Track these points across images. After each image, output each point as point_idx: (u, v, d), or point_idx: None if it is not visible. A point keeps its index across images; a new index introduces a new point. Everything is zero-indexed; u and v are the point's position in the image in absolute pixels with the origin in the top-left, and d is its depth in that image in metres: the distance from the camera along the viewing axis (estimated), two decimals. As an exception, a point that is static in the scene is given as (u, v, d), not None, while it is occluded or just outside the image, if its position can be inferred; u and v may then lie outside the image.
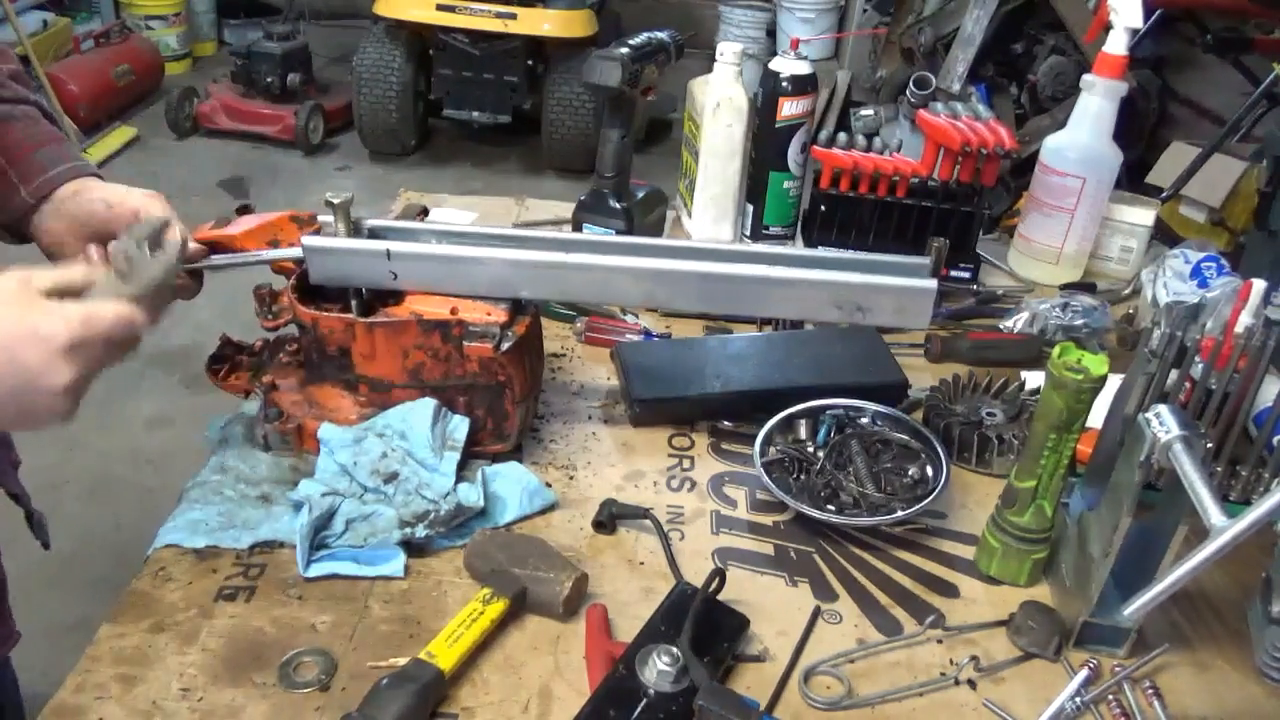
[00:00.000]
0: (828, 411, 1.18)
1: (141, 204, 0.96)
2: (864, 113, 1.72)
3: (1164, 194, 2.80)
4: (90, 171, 1.00)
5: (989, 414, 1.22)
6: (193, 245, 0.99)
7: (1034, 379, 1.25)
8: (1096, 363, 0.91)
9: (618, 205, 1.52)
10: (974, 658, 0.92)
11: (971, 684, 0.91)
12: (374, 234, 1.08)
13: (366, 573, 0.96)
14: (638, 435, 1.21)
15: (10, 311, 0.77)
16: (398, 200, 1.71)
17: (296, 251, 1.04)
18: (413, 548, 0.99)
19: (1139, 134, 3.45)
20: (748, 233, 1.63)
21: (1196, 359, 1.10)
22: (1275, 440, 1.11)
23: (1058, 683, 0.90)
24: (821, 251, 1.45)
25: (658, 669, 0.84)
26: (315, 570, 0.95)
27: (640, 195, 1.58)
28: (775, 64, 1.52)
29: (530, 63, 4.49)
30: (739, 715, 0.80)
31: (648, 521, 1.05)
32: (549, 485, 1.10)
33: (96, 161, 4.31)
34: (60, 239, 0.98)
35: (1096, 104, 1.52)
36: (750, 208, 1.61)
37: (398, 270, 1.04)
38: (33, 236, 0.99)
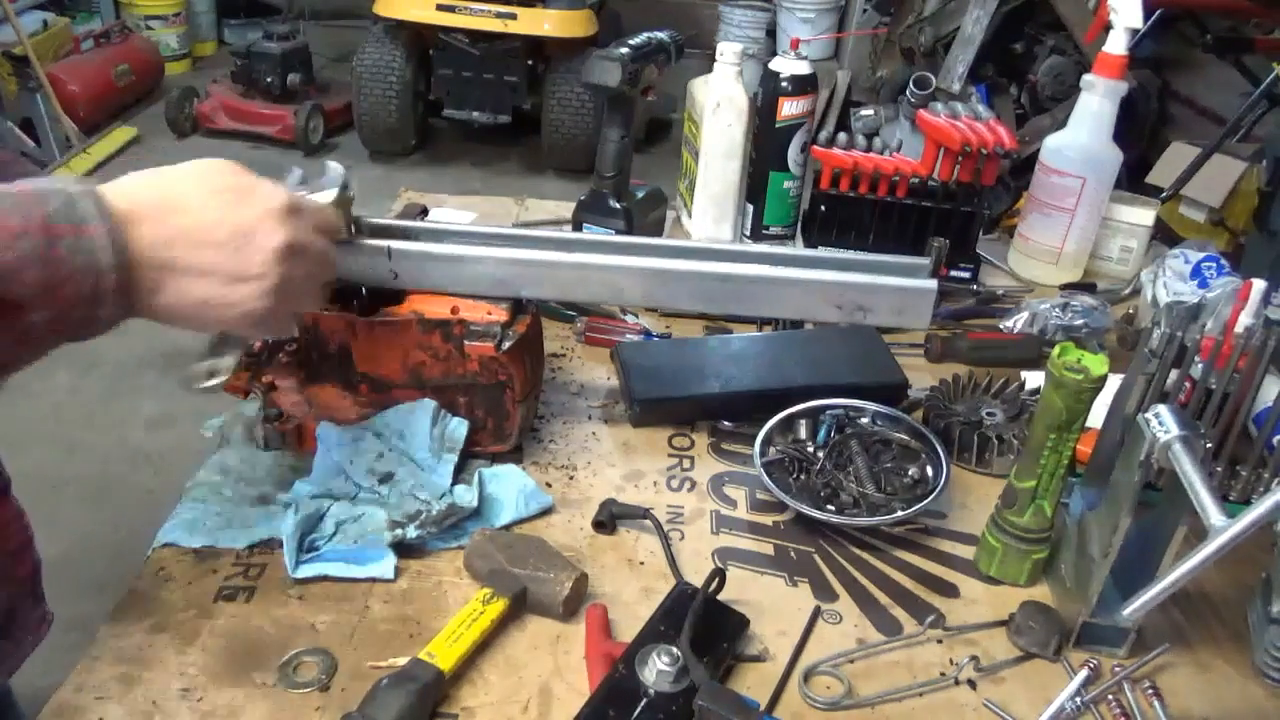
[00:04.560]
0: (828, 411, 1.18)
1: None
2: (864, 113, 1.72)
3: (1164, 194, 2.80)
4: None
5: (989, 414, 1.22)
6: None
7: (1034, 379, 1.25)
8: (1096, 363, 0.91)
9: (618, 205, 1.52)
10: (974, 658, 0.92)
11: (971, 684, 0.91)
12: (374, 233, 1.08)
13: (356, 574, 0.96)
14: (638, 435, 1.21)
15: (230, 172, 0.79)
16: (398, 200, 1.71)
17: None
18: (412, 548, 0.99)
19: (1139, 134, 3.45)
20: (748, 233, 1.63)
21: (1196, 359, 1.10)
22: (1275, 440, 1.11)
23: (1058, 683, 0.91)
24: (821, 251, 1.46)
25: (658, 669, 0.84)
26: (304, 571, 0.95)
27: (640, 195, 1.58)
28: (775, 64, 1.52)
29: (530, 63, 4.49)
30: (739, 715, 0.80)
31: (648, 521, 1.05)
32: (549, 485, 1.10)
33: (96, 161, 4.31)
34: None
35: (1096, 104, 1.52)
36: (750, 208, 1.61)
37: (398, 269, 1.04)
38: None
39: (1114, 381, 0.99)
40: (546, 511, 1.07)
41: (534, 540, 0.99)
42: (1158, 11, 3.06)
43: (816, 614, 0.97)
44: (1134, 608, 0.79)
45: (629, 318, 1.41)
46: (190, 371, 0.87)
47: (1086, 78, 1.53)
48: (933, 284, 1.06)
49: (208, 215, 0.76)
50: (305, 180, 0.95)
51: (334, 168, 0.97)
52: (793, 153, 1.54)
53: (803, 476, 1.12)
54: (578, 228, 1.55)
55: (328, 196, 0.94)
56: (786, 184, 1.57)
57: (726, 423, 1.22)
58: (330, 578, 0.95)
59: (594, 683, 0.86)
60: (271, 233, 0.78)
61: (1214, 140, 2.87)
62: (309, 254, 0.82)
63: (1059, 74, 3.52)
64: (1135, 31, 1.47)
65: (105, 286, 0.70)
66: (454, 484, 1.04)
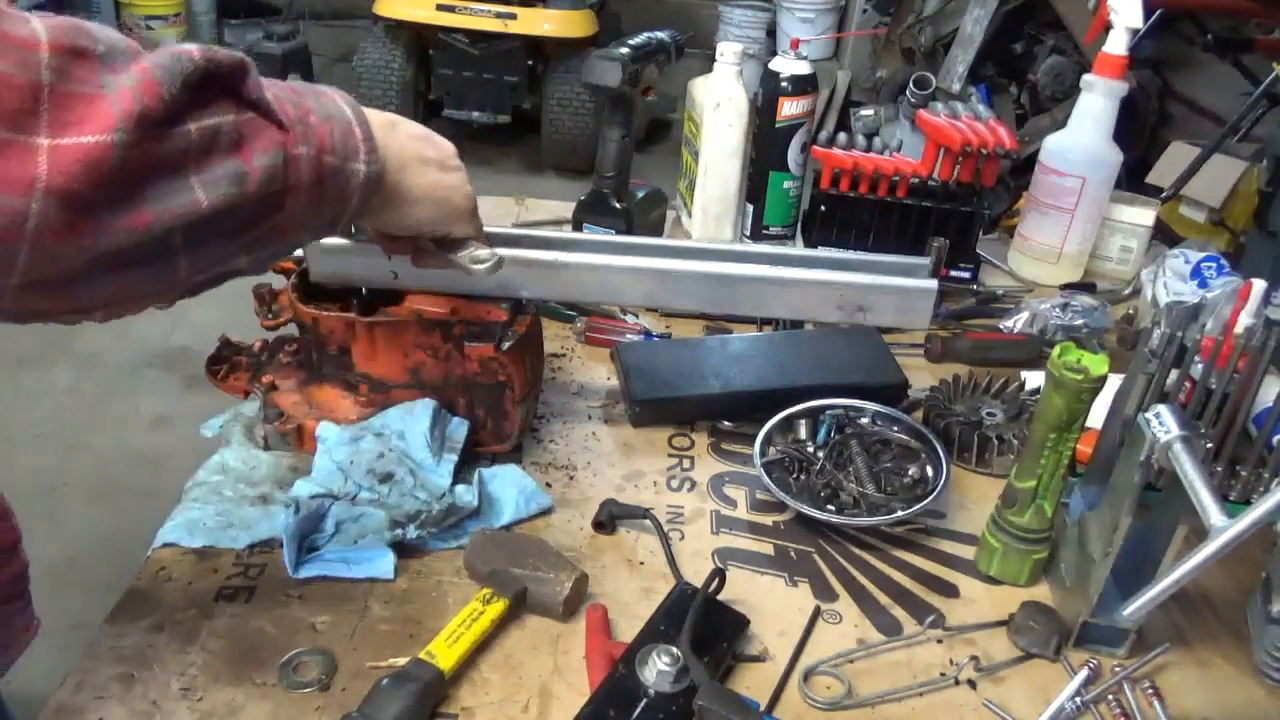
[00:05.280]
0: (828, 411, 1.18)
1: None
2: (864, 113, 1.73)
3: (1164, 194, 2.80)
4: None
5: (989, 414, 1.22)
6: None
7: (1034, 379, 1.25)
8: (1096, 363, 0.91)
9: (618, 205, 1.52)
10: (974, 658, 0.92)
11: (971, 684, 0.91)
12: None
13: (356, 574, 0.96)
14: (638, 435, 1.21)
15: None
16: (398, 200, 1.71)
17: (297, 250, 1.04)
18: (412, 548, 0.99)
19: (1139, 134, 3.45)
20: (748, 233, 1.63)
21: (1196, 359, 1.10)
22: (1275, 440, 1.11)
23: (1058, 683, 0.90)
24: (821, 251, 1.46)
25: (658, 669, 0.83)
26: (304, 571, 0.95)
27: (640, 195, 1.58)
28: (775, 64, 1.52)
29: (530, 63, 4.49)
30: (739, 715, 0.80)
31: (648, 521, 1.05)
32: (549, 486, 1.10)
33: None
34: None
35: (1096, 104, 1.52)
36: (750, 208, 1.61)
37: (398, 269, 1.04)
38: None
39: (1114, 381, 0.99)
40: (546, 511, 1.07)
41: (534, 540, 0.99)
42: (1158, 11, 3.06)
43: (816, 614, 0.97)
44: (1134, 608, 0.79)
45: (629, 318, 1.41)
46: (465, 257, 0.93)
47: (1086, 78, 1.53)
48: (933, 284, 1.06)
49: (397, 118, 0.84)
50: None
51: None
52: (793, 153, 1.54)
53: (803, 476, 1.12)
54: (578, 228, 1.55)
55: None
56: (786, 184, 1.57)
57: (726, 423, 1.22)
58: (330, 578, 0.95)
59: (594, 683, 0.86)
60: (440, 138, 0.89)
61: (1214, 140, 2.87)
62: None
63: (1059, 74, 3.52)
64: (1135, 31, 1.48)
65: (357, 136, 0.75)
66: (454, 484, 1.04)
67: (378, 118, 0.81)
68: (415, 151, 0.84)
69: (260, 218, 0.69)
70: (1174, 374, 1.10)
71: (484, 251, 0.94)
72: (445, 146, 0.89)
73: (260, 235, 0.70)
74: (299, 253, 1.04)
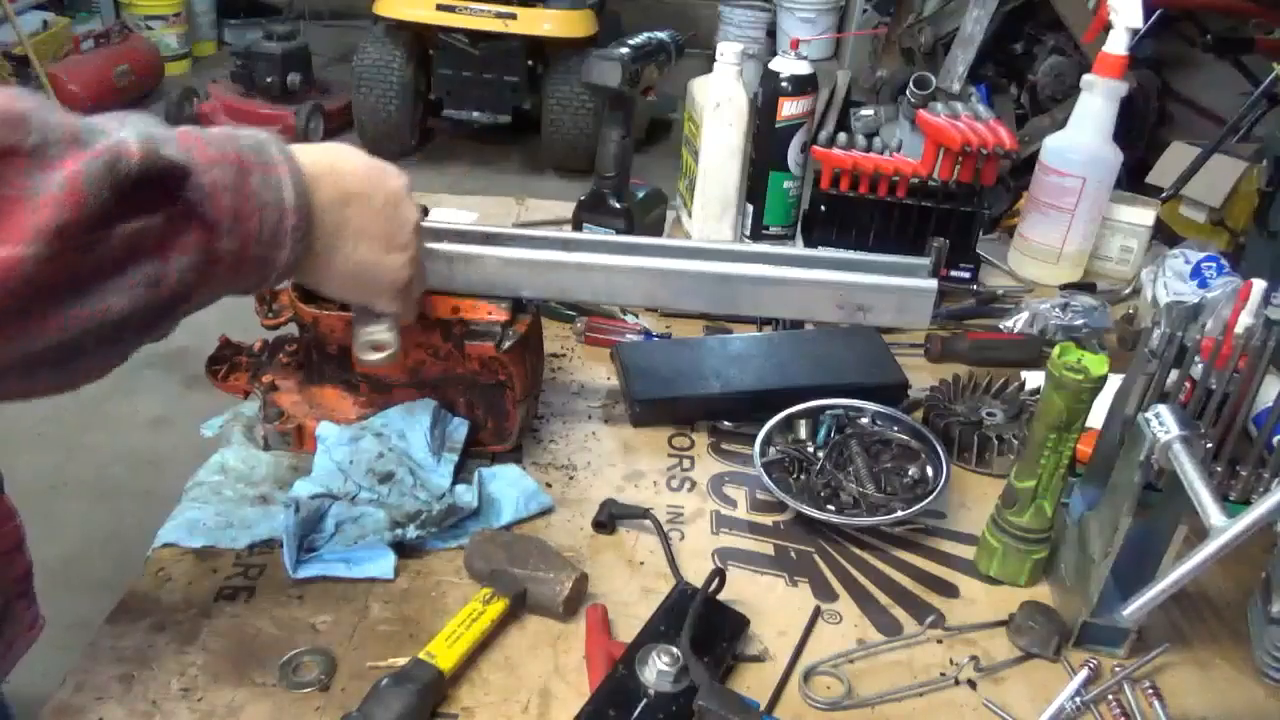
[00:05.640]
0: (828, 411, 1.18)
1: None
2: (864, 113, 1.73)
3: (1164, 194, 2.80)
4: None
5: (989, 414, 1.22)
6: None
7: (1034, 379, 1.25)
8: (1096, 363, 0.91)
9: (618, 205, 1.52)
10: (974, 658, 0.92)
11: (971, 684, 0.91)
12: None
13: (356, 574, 0.96)
14: (638, 435, 1.21)
15: (363, 150, 0.83)
16: (398, 200, 1.71)
17: None
18: (412, 548, 0.99)
19: (1139, 134, 3.45)
20: (748, 233, 1.63)
21: (1196, 359, 1.10)
22: (1275, 440, 1.11)
23: (1058, 683, 0.90)
24: (821, 251, 1.45)
25: (658, 669, 0.83)
26: (304, 572, 0.95)
27: (640, 195, 1.58)
28: (775, 64, 1.52)
29: (530, 63, 4.49)
30: (739, 715, 0.80)
31: (648, 521, 1.05)
32: (549, 486, 1.10)
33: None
34: None
35: (1096, 104, 1.52)
36: (750, 208, 1.61)
37: (398, 270, 1.04)
38: None
39: (1114, 381, 0.99)
40: (546, 511, 1.07)
41: (534, 540, 0.99)
42: (1158, 11, 3.06)
43: (816, 614, 0.97)
44: (1134, 608, 0.79)
45: (629, 318, 1.41)
46: (365, 335, 0.92)
47: (1086, 78, 1.53)
48: (933, 284, 1.06)
49: (367, 184, 0.81)
50: None
51: None
52: (793, 153, 1.54)
53: (803, 476, 1.12)
54: (578, 228, 1.55)
55: None
56: (786, 184, 1.57)
57: (726, 423, 1.22)
58: (330, 578, 0.95)
59: (594, 683, 0.86)
60: (411, 207, 0.85)
61: (1214, 140, 2.87)
62: (421, 235, 0.88)
63: (1059, 74, 3.52)
64: (1135, 31, 1.48)
65: (287, 225, 0.72)
66: (454, 484, 1.04)
67: (333, 189, 0.78)
68: (360, 228, 0.81)
69: (171, 312, 0.68)
70: (1174, 374, 1.11)
71: (387, 336, 0.91)
72: (402, 221, 0.85)
73: (170, 324, 0.70)
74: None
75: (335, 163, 0.80)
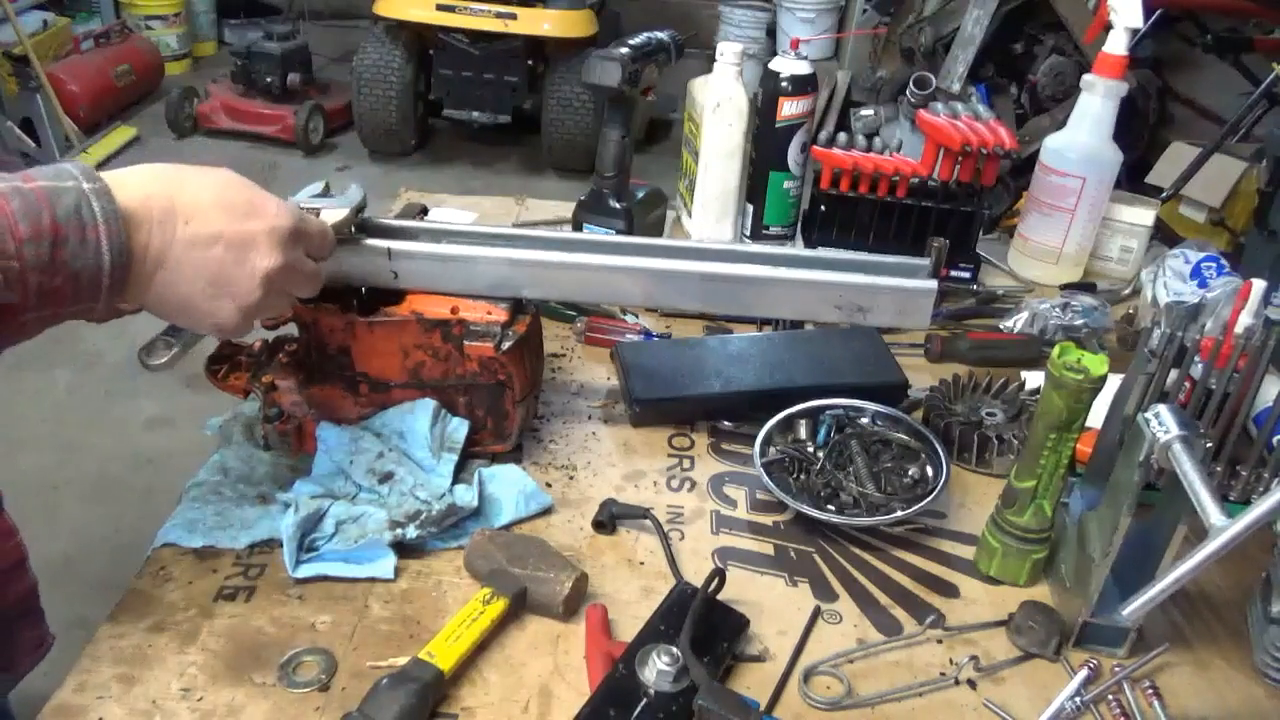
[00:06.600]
0: (828, 411, 1.18)
1: None
2: (864, 113, 1.73)
3: (1164, 194, 2.80)
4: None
5: (989, 414, 1.22)
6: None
7: (1034, 379, 1.25)
8: (1096, 363, 0.91)
9: (618, 205, 1.52)
10: (974, 658, 0.92)
11: (971, 684, 0.91)
12: (375, 233, 1.08)
13: (356, 574, 0.96)
14: (638, 435, 1.21)
15: (245, 187, 0.81)
16: (398, 200, 1.71)
17: None
18: (412, 548, 0.99)
19: (1139, 134, 3.45)
20: (748, 233, 1.63)
21: (1196, 359, 1.10)
22: (1275, 440, 1.11)
23: (1058, 683, 0.90)
24: (821, 252, 1.45)
25: (658, 669, 0.83)
26: (304, 571, 0.95)
27: (640, 195, 1.58)
28: (775, 64, 1.52)
29: (530, 63, 4.49)
30: (739, 715, 0.80)
31: (648, 521, 1.05)
32: (549, 485, 1.10)
33: (96, 161, 4.31)
34: None
35: (1096, 104, 1.52)
36: (750, 208, 1.61)
37: (398, 269, 1.04)
38: None
39: (1114, 381, 0.99)
40: (546, 511, 1.07)
41: (534, 540, 0.99)
42: (1158, 11, 3.06)
43: (816, 614, 0.97)
44: (1134, 608, 0.79)
45: (629, 318, 1.41)
46: (146, 347, 0.91)
47: (1086, 78, 1.53)
48: (933, 284, 1.06)
49: (212, 227, 0.78)
50: (327, 192, 0.97)
51: (356, 191, 1.00)
52: (793, 153, 1.54)
53: (803, 476, 1.12)
54: (578, 228, 1.55)
55: (337, 215, 0.95)
56: (786, 184, 1.57)
57: (726, 423, 1.22)
58: (330, 578, 0.95)
59: (594, 683, 0.86)
60: (267, 254, 0.80)
61: (1214, 140, 2.87)
62: (295, 276, 0.85)
63: (1059, 74, 3.52)
64: (1135, 31, 1.48)
65: (102, 284, 0.72)
66: (454, 484, 1.04)
67: (162, 232, 0.75)
68: (187, 268, 0.77)
69: None
70: (1174, 374, 1.11)
71: (164, 359, 0.91)
72: (247, 271, 0.79)
73: None
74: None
75: (177, 205, 0.77)
